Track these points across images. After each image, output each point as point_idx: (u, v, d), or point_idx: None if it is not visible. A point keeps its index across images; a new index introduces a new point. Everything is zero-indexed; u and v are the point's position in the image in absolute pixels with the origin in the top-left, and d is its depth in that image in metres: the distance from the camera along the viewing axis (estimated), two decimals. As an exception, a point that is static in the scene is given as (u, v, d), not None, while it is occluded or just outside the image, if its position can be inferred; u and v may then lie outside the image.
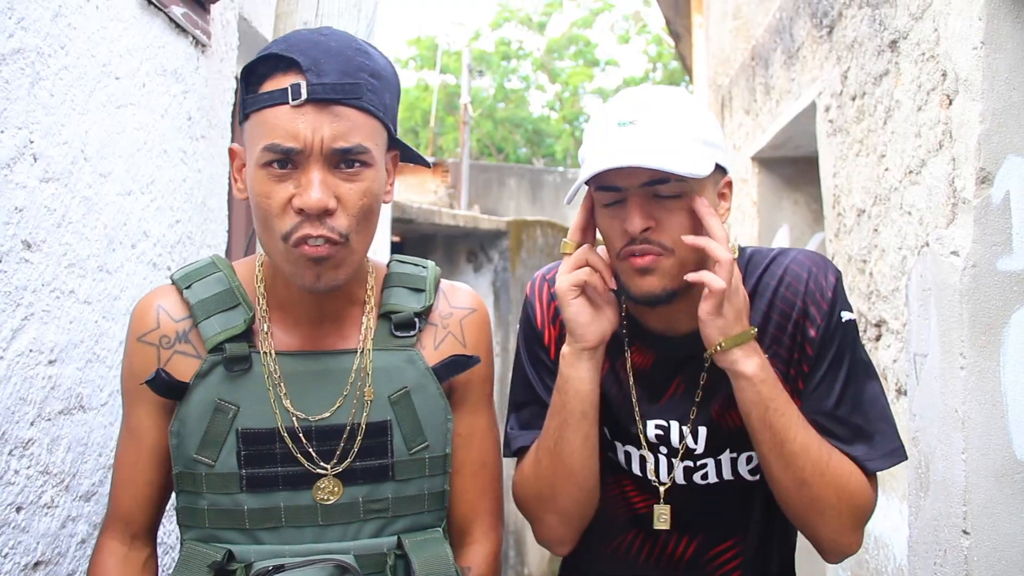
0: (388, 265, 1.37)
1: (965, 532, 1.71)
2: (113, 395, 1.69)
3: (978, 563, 1.70)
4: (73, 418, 1.54)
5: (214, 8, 2.16)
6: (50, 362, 1.46)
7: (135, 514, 1.27)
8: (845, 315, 1.32)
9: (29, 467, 1.39)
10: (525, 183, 14.79)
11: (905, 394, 2.18)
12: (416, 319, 1.32)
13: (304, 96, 1.11)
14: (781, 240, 4.32)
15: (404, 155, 1.32)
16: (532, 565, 7.86)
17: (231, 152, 1.27)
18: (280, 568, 1.17)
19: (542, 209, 13.67)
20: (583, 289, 1.30)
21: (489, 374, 1.41)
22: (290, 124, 1.12)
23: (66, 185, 1.49)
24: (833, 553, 1.34)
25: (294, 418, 1.23)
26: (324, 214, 1.13)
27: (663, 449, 1.39)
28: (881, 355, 2.40)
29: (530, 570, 7.81)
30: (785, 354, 1.32)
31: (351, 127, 1.14)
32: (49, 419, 1.45)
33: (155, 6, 1.81)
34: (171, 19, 1.90)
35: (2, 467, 1.33)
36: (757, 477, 1.37)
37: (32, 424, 1.40)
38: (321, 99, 1.12)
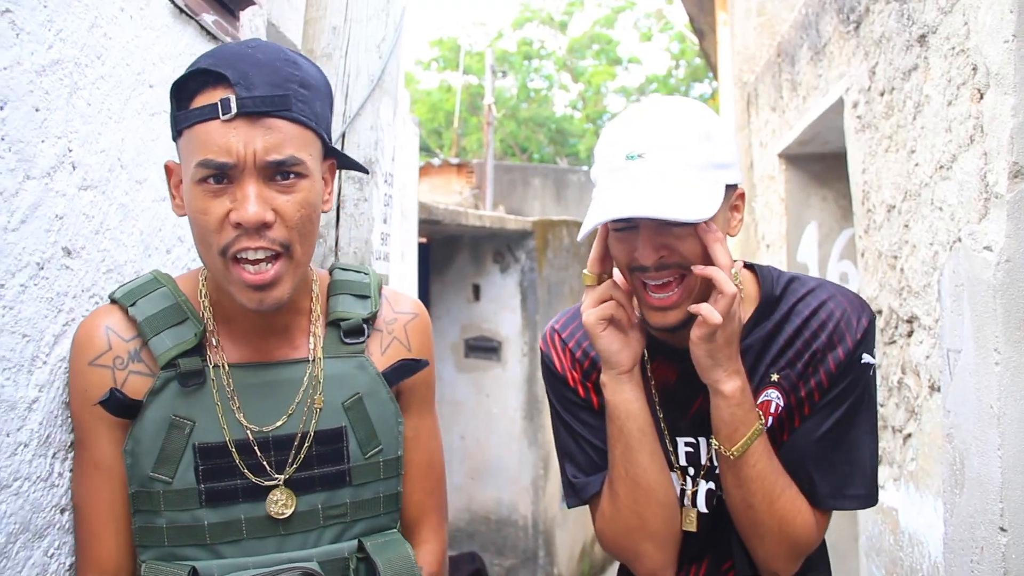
0: (331, 273, 1.37)
1: (1002, 529, 1.70)
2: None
3: (1016, 560, 1.68)
4: (113, 421, 1.56)
5: (243, 15, 2.19)
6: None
7: (120, 561, 1.23)
8: (866, 358, 1.36)
9: (72, 470, 1.41)
10: (549, 183, 14.76)
11: (938, 390, 2.16)
12: (364, 325, 1.32)
13: (234, 110, 1.11)
14: (810, 237, 4.30)
15: (342, 162, 1.31)
16: (562, 565, 7.86)
17: (167, 168, 1.26)
18: None
19: (567, 208, 13.66)
20: (610, 320, 1.33)
21: (432, 378, 1.42)
22: (222, 139, 1.11)
23: (104, 192, 1.52)
24: (765, 571, 1.38)
25: (248, 430, 1.22)
26: (262, 227, 1.13)
27: (691, 471, 1.41)
28: (913, 351, 2.38)
29: (560, 570, 7.81)
30: (795, 377, 1.36)
31: (283, 139, 1.13)
32: (90, 422, 1.48)
33: (187, 14, 1.84)
34: (202, 27, 1.92)
35: (47, 470, 1.35)
36: None
37: (74, 429, 1.43)
38: (251, 112, 1.11)
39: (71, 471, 1.42)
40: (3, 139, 1.25)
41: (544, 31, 26.60)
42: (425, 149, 20.24)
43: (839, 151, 3.45)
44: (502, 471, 7.69)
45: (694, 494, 1.40)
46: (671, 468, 1.40)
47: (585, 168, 17.04)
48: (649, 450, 1.34)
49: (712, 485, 1.40)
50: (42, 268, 1.34)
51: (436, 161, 13.16)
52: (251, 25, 2.27)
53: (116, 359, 1.22)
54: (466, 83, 23.12)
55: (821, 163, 4.28)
